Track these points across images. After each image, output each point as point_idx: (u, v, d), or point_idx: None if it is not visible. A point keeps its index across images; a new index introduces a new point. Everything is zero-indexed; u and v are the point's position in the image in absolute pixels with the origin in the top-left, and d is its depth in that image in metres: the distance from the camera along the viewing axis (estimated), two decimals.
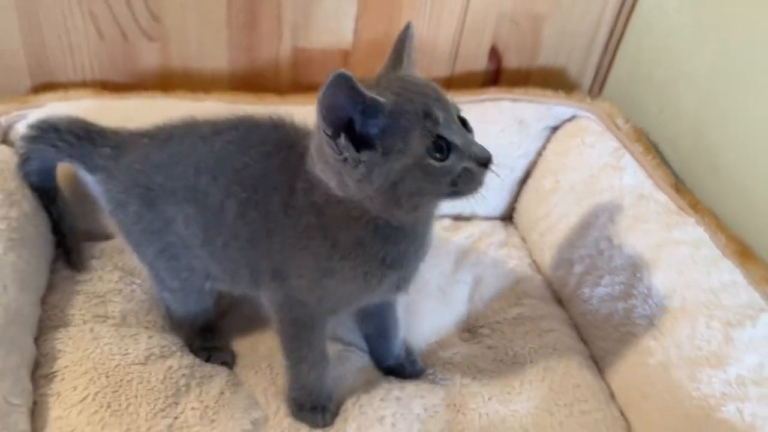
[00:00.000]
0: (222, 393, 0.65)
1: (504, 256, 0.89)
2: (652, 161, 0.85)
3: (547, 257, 0.87)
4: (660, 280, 0.72)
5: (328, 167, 0.53)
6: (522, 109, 0.92)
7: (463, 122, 0.55)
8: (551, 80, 1.04)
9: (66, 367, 0.64)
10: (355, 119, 0.50)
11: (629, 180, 0.83)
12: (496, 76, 1.02)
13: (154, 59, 0.89)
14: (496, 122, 0.91)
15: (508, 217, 0.98)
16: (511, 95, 0.93)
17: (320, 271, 0.59)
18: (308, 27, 0.91)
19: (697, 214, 0.78)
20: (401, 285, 0.62)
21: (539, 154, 0.94)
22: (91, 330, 0.67)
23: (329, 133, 0.50)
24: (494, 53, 1.01)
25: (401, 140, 0.51)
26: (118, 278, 0.75)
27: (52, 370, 0.64)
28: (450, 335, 0.79)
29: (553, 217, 0.87)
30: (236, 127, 0.63)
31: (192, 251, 0.63)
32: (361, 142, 0.51)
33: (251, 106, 0.87)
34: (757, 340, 0.64)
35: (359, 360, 0.73)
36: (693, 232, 0.75)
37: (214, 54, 0.91)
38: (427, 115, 0.51)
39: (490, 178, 0.54)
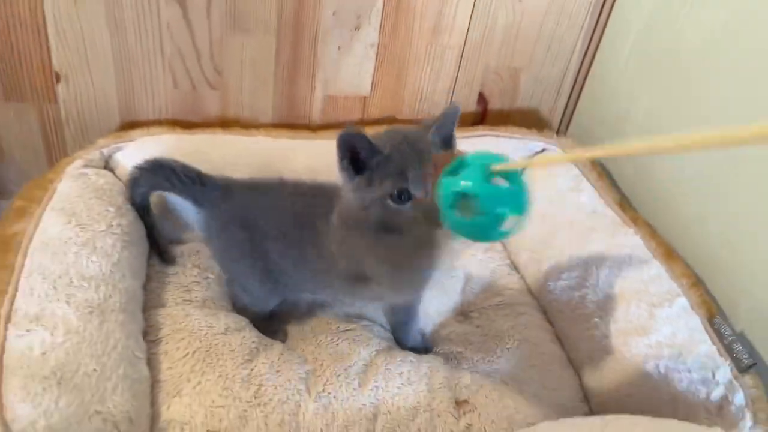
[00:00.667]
0: (282, 353, 0.87)
1: (488, 258, 1.11)
2: (603, 185, 1.08)
3: (521, 259, 1.09)
4: (605, 274, 0.93)
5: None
6: (503, 144, 1.14)
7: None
8: (527, 119, 1.28)
9: (168, 334, 0.86)
10: (361, 153, 0.69)
11: (585, 199, 1.05)
12: (483, 116, 1.26)
13: (216, 104, 1.13)
14: None
15: None
16: (495, 132, 1.16)
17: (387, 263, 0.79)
18: (336, 80, 1.15)
19: (635, 225, 0.99)
20: (430, 265, 0.80)
21: None
22: (183, 309, 0.90)
23: (339, 156, 0.71)
24: (481, 98, 1.24)
25: (379, 180, 0.69)
26: (197, 273, 0.97)
27: (158, 336, 0.86)
28: (448, 318, 1.01)
29: (527, 227, 1.10)
30: (308, 189, 0.88)
31: (280, 269, 0.87)
32: (361, 169, 0.71)
33: (290, 140, 1.12)
34: (672, 317, 0.85)
35: (382, 332, 0.96)
36: (632, 239, 0.96)
37: (262, 100, 1.14)
38: (401, 172, 0.68)
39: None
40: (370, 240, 0.76)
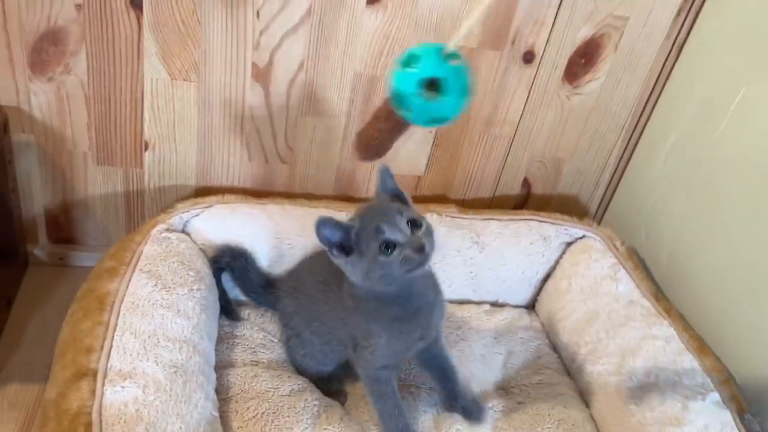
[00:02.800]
0: (341, 418, 0.93)
1: (529, 336, 1.18)
2: (639, 275, 1.14)
3: (560, 340, 1.15)
4: (641, 363, 0.99)
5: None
6: (546, 228, 1.23)
7: (414, 222, 0.80)
8: (566, 205, 1.36)
9: (238, 394, 0.93)
10: (343, 237, 0.80)
11: (622, 288, 1.12)
12: (525, 199, 1.35)
13: (284, 176, 1.22)
14: (527, 237, 1.22)
15: (531, 306, 1.28)
16: (538, 218, 1.24)
17: (365, 332, 0.88)
18: (395, 159, 1.24)
19: (670, 317, 1.05)
20: (423, 333, 0.89)
21: (557, 262, 1.23)
22: (251, 370, 0.98)
23: (327, 248, 0.81)
24: (525, 183, 1.34)
25: (365, 246, 0.78)
26: (262, 336, 1.05)
27: (228, 395, 0.93)
28: (490, 392, 1.06)
29: (566, 310, 1.16)
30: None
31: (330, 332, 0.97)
32: (350, 250, 0.80)
33: (349, 213, 1.20)
34: (705, 410, 0.91)
35: (427, 398, 1.01)
36: (666, 330, 1.03)
37: (326, 174, 1.23)
38: (378, 229, 0.77)
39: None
40: (374, 312, 0.86)
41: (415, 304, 0.87)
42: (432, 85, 0.66)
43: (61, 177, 1.16)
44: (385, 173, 0.86)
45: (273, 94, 1.12)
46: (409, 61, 0.68)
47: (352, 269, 0.82)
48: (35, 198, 1.17)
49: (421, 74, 0.65)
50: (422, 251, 0.78)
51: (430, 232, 0.81)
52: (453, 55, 0.67)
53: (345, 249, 0.81)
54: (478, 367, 1.10)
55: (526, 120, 1.24)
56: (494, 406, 1.03)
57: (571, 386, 1.10)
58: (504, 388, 1.09)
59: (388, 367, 0.90)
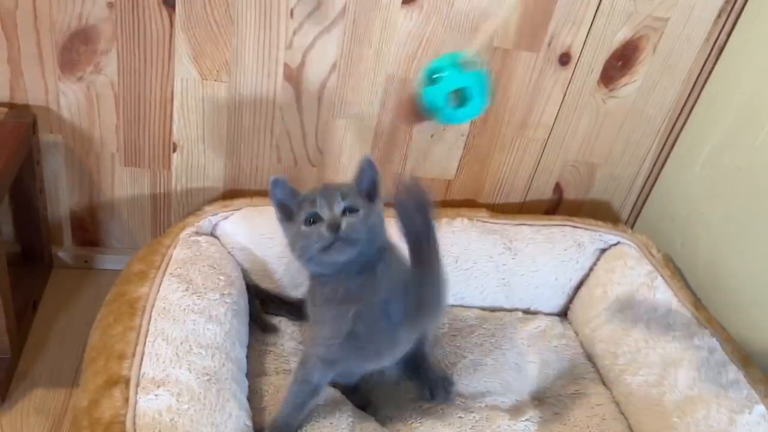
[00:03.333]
0: (375, 430, 0.91)
1: (563, 345, 1.15)
2: (677, 284, 1.11)
3: (596, 349, 1.12)
4: (684, 374, 0.96)
5: None
6: (580, 234, 1.20)
7: (350, 208, 0.79)
8: (598, 211, 1.33)
9: (272, 404, 0.91)
10: (289, 200, 0.84)
11: (660, 297, 1.09)
12: (557, 204, 1.33)
13: (312, 179, 1.20)
14: (561, 243, 1.19)
15: (563, 314, 1.25)
16: (572, 223, 1.21)
17: (311, 318, 0.88)
18: (425, 163, 1.22)
19: (711, 327, 1.03)
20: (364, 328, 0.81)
21: (591, 269, 1.20)
22: (284, 379, 0.95)
23: (275, 207, 0.85)
24: (557, 188, 1.31)
25: (297, 215, 0.82)
26: (294, 345, 1.03)
27: (261, 405, 0.91)
28: (525, 402, 1.04)
29: (601, 318, 1.13)
30: None
31: None
32: (291, 215, 0.83)
33: None
34: (752, 424, 0.88)
35: (460, 409, 0.99)
36: (708, 341, 1.00)
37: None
38: (312, 202, 0.80)
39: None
40: (312, 292, 0.87)
41: (348, 287, 0.82)
42: (457, 93, 0.74)
43: (88, 178, 1.14)
44: (367, 164, 0.86)
45: (304, 95, 1.10)
46: (432, 72, 0.75)
47: (285, 234, 0.86)
48: (61, 199, 1.16)
49: (448, 88, 0.74)
50: (336, 230, 0.77)
51: (367, 223, 0.80)
52: (471, 62, 0.75)
53: (288, 213, 0.84)
54: (513, 375, 1.08)
55: (560, 123, 1.22)
56: (531, 418, 1.00)
57: (609, 397, 1.07)
58: (539, 399, 1.06)
59: (327, 361, 0.85)
